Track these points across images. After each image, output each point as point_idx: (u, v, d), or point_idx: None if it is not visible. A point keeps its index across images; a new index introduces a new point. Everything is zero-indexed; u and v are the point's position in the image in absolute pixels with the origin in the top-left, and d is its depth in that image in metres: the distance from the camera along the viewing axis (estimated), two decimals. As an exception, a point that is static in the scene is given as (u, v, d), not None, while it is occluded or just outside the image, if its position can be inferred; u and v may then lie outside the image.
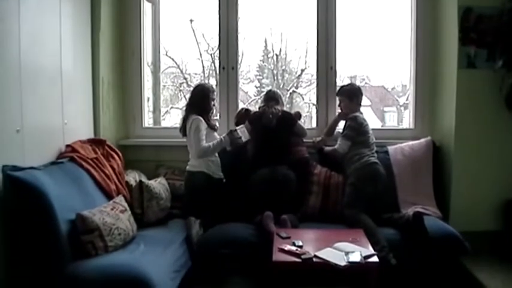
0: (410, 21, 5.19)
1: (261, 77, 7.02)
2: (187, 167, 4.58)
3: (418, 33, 5.11)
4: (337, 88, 5.03)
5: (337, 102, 4.94)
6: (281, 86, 6.60)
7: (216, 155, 4.62)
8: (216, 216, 4.32)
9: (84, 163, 3.93)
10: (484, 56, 4.52)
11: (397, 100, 6.71)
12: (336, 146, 4.60)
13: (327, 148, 4.76)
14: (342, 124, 4.86)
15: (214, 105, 4.76)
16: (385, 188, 4.52)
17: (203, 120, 4.50)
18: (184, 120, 4.59)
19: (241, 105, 5.40)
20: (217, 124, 4.80)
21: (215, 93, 4.81)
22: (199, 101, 4.61)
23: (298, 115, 4.85)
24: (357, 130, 4.54)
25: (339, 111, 4.91)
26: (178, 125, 4.91)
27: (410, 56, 5.22)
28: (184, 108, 4.81)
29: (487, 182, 4.62)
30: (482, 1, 4.46)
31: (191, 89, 4.85)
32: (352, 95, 4.71)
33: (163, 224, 4.33)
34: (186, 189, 4.59)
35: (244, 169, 4.57)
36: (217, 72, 5.47)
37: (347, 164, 4.54)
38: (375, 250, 3.71)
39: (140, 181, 4.38)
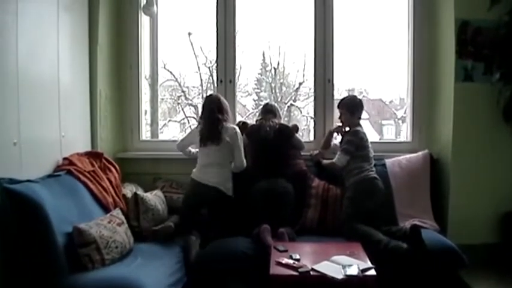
0: (407, 35, 5.23)
1: (259, 90, 7.00)
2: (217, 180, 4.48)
3: (416, 47, 5.14)
4: (335, 101, 5.04)
5: (337, 114, 4.92)
6: (279, 99, 6.59)
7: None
8: (216, 229, 4.32)
9: (81, 176, 3.92)
10: (481, 69, 4.54)
11: (395, 113, 6.71)
12: (334, 159, 4.59)
13: (325, 161, 4.76)
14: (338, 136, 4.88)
15: None
16: (383, 201, 4.51)
17: None
18: (217, 128, 4.50)
19: (239, 119, 5.40)
20: None
21: None
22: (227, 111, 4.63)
23: (296, 128, 4.86)
24: (357, 145, 4.53)
25: (339, 123, 4.88)
26: (175, 138, 4.89)
27: (407, 69, 5.25)
28: (216, 117, 4.56)
29: (485, 195, 4.62)
30: (479, 14, 4.47)
31: (189, 102, 4.84)
32: (353, 108, 4.67)
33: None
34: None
35: (242, 182, 4.57)
36: (215, 85, 5.48)
37: (346, 177, 4.53)
38: (380, 248, 3.80)
39: (135, 193, 4.36)
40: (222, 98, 4.69)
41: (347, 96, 4.89)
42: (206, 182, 4.44)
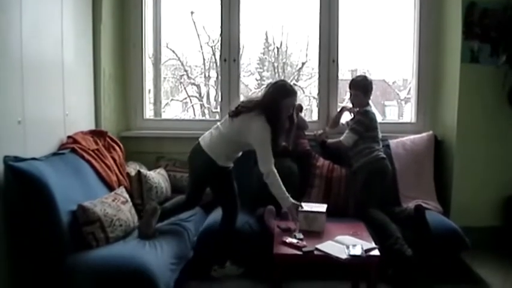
0: (413, 15, 5.19)
1: (261, 70, 7.00)
2: (208, 149, 3.86)
3: (422, 27, 5.11)
4: (339, 81, 5.02)
5: (341, 94, 4.90)
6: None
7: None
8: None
9: (85, 154, 3.92)
10: (487, 51, 4.52)
11: (397, 94, 6.70)
12: (341, 138, 4.59)
13: (331, 140, 4.76)
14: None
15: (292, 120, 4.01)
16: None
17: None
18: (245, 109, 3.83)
19: (242, 98, 5.37)
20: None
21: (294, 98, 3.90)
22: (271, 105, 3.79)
23: (300, 107, 4.84)
24: (367, 126, 4.52)
25: (349, 104, 4.86)
26: (178, 117, 4.84)
27: (413, 50, 5.23)
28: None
29: (489, 178, 4.64)
30: (486, -5, 4.45)
31: (191, 81, 4.81)
32: (367, 89, 4.62)
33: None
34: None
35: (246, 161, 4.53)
36: (218, 64, 5.44)
37: (355, 157, 4.52)
38: (389, 242, 3.82)
39: (139, 171, 4.38)
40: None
41: (358, 77, 4.82)
42: (206, 149, 3.88)
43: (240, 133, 3.80)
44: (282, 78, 6.12)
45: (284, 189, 3.75)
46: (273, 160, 3.74)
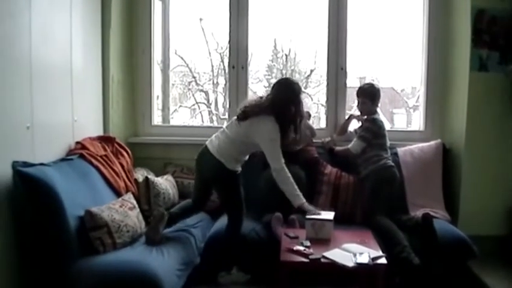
0: (422, 22, 5.17)
1: (269, 77, 7.01)
2: (216, 153, 3.88)
3: (430, 35, 5.08)
4: (347, 88, 5.01)
5: (349, 102, 4.89)
6: (290, 87, 6.58)
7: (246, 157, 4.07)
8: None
9: (93, 160, 3.93)
10: (496, 58, 4.49)
11: (406, 102, 6.69)
12: (349, 146, 4.59)
13: (338, 148, 4.76)
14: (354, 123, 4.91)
15: (299, 118, 4.00)
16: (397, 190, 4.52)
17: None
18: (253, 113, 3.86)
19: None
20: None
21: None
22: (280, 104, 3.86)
23: (308, 115, 4.84)
24: (375, 133, 4.51)
25: (357, 112, 4.86)
26: (186, 124, 4.84)
27: (421, 57, 5.20)
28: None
29: (497, 186, 4.60)
30: (495, 3, 4.44)
31: (200, 87, 4.82)
32: (375, 96, 4.62)
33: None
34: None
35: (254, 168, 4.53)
36: (226, 71, 5.45)
37: (363, 164, 4.52)
38: (396, 250, 3.80)
39: (146, 177, 4.39)
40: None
41: (366, 84, 4.83)
42: (219, 157, 3.88)
43: (249, 135, 3.84)
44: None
45: (296, 186, 3.80)
46: (283, 159, 3.78)
